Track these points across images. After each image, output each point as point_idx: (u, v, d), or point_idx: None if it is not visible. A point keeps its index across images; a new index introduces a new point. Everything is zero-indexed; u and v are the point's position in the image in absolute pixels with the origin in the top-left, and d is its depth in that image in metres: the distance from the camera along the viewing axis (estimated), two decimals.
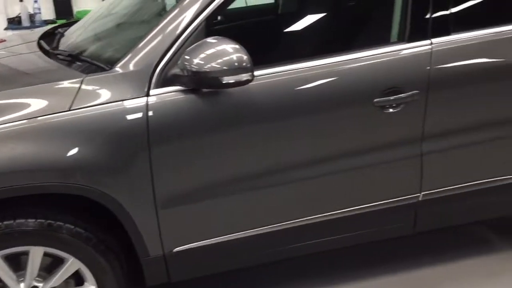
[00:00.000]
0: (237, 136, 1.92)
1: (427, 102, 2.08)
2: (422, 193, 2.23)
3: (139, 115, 1.79)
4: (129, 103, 1.79)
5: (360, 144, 2.09)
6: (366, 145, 2.09)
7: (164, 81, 1.83)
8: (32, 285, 1.88)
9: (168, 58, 1.83)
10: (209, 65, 1.74)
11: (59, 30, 2.66)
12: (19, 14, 5.40)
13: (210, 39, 1.79)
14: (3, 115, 1.72)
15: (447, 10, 2.11)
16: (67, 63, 2.06)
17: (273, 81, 1.94)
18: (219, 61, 1.74)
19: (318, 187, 2.09)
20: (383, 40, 2.15)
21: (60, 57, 2.13)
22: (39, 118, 1.72)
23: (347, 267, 2.60)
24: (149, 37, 1.87)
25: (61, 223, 1.81)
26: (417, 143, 2.14)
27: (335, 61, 2.01)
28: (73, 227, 1.83)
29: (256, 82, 1.85)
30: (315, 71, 1.98)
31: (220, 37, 1.79)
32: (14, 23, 5.44)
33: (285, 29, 2.71)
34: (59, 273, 1.89)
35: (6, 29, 5.31)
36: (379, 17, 2.30)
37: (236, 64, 1.74)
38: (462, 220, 2.44)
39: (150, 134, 1.80)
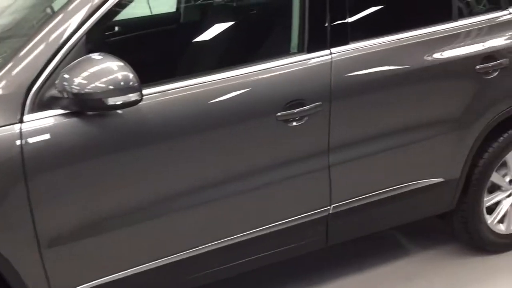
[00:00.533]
0: (128, 162, 1.75)
1: (331, 113, 2.03)
2: (333, 205, 2.17)
3: (11, 144, 1.56)
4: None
5: (266, 161, 1.99)
6: (273, 161, 2.00)
7: (41, 105, 1.62)
8: None
9: (44, 78, 1.62)
10: (92, 85, 1.56)
11: None
12: None
13: (92, 56, 1.61)
14: None
15: (345, 19, 2.07)
16: None
17: (167, 99, 1.79)
18: (103, 80, 1.56)
19: (224, 209, 1.97)
20: (283, 51, 2.07)
21: None
22: None
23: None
24: (21, 54, 1.64)
25: None
26: (324, 155, 2.08)
27: (234, 75, 1.90)
28: None
29: (149, 101, 1.71)
30: (213, 86, 1.86)
31: (103, 54, 1.61)
32: None
33: (183, 40, 2.56)
34: None
35: None
36: (278, 28, 2.23)
37: (122, 83, 1.57)
38: (374, 228, 2.43)
39: (26, 165, 1.58)
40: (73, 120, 1.63)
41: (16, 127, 1.58)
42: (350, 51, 2.07)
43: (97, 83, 1.56)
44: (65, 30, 1.65)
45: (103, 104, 1.58)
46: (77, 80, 1.56)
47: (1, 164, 1.56)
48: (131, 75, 1.58)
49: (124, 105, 1.61)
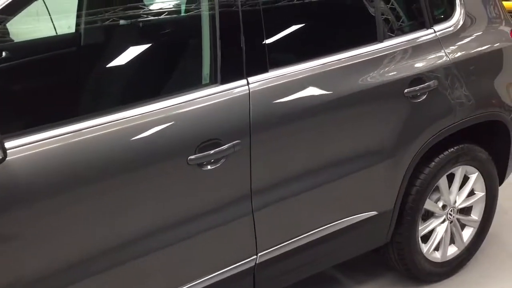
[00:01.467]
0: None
1: (251, 152, 1.77)
2: (259, 254, 1.91)
3: None
4: None
5: (182, 212, 1.70)
6: (189, 211, 1.71)
7: None
8: None
9: None
10: None
11: None
12: None
13: None
14: None
15: (262, 43, 1.82)
16: None
17: (49, 148, 1.44)
18: None
19: (143, 269, 1.65)
20: (193, 83, 1.79)
21: None
22: None
23: None
24: None
25: None
26: (246, 200, 1.81)
27: (133, 115, 1.58)
28: None
29: (20, 155, 1.38)
30: (109, 129, 1.54)
31: None
32: None
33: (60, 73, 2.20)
34: None
35: None
36: (188, 56, 1.94)
37: None
38: (307, 272, 2.18)
39: None
40: None
41: None
42: (270, 79, 1.82)
43: None
44: None
45: None
46: None
47: None
48: None
49: None
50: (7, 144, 1.36)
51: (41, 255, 1.48)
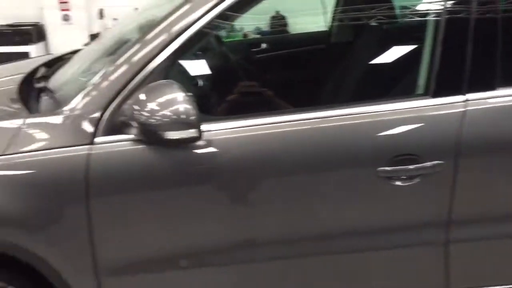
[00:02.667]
0: (194, 200, 1.58)
1: (457, 177, 1.57)
2: None
3: (78, 166, 1.52)
4: (68, 152, 1.53)
5: (358, 221, 1.64)
6: (366, 222, 1.64)
7: (112, 129, 1.55)
8: None
9: (119, 102, 1.55)
10: (150, 116, 1.43)
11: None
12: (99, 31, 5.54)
13: (156, 84, 1.48)
14: None
15: (493, 57, 1.59)
16: (33, 99, 1.86)
17: (242, 136, 1.57)
18: (160, 112, 1.42)
19: (302, 269, 1.68)
20: (404, 92, 1.68)
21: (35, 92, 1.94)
22: None
23: None
24: (102, 75, 1.60)
25: None
26: (440, 228, 1.63)
27: (331, 115, 1.59)
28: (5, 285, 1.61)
29: (221, 137, 1.53)
30: (300, 126, 1.58)
31: (168, 82, 1.48)
32: (95, 39, 5.58)
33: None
34: None
35: (85, 44, 5.45)
36: (406, 63, 1.82)
37: (178, 117, 1.41)
38: None
39: (90, 188, 1.52)
40: (139, 148, 1.53)
41: (85, 149, 1.54)
42: (495, 99, 1.58)
43: (156, 115, 1.43)
44: (142, 57, 1.56)
45: (160, 137, 1.45)
46: (138, 109, 1.45)
47: (66, 185, 1.53)
48: (190, 108, 1.42)
49: (180, 141, 1.45)
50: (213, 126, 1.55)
51: (216, 231, 1.62)
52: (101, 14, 5.48)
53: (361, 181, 1.59)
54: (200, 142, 1.49)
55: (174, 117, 1.41)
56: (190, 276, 1.65)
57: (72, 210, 1.54)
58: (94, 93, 1.58)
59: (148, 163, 1.53)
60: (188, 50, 1.65)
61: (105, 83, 1.57)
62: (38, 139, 1.57)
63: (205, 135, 1.50)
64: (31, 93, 1.90)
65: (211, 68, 2.11)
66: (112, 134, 1.55)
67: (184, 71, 1.84)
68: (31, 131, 1.58)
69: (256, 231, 1.63)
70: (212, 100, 1.99)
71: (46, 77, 2.09)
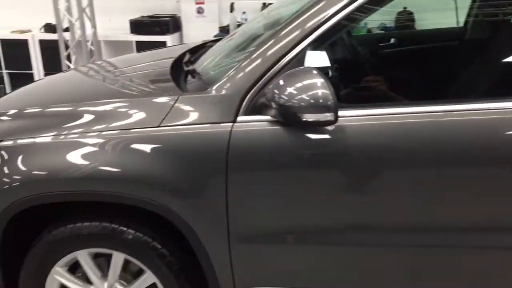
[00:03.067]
0: (326, 180, 1.69)
1: None
2: None
3: (221, 140, 1.70)
4: (214, 127, 1.72)
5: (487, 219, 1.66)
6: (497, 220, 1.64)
7: (254, 109, 1.71)
8: (114, 287, 1.96)
9: (260, 85, 1.70)
10: (290, 99, 1.56)
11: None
12: (229, 23, 5.86)
13: (294, 71, 1.61)
14: (101, 123, 1.82)
15: None
16: (182, 79, 2.09)
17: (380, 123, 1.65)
18: (300, 96, 1.55)
19: (431, 262, 1.73)
20: None
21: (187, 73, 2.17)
22: (131, 130, 1.77)
23: None
24: (246, 61, 1.77)
25: (140, 235, 1.84)
26: None
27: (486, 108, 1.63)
28: (150, 240, 1.85)
29: (356, 123, 1.64)
30: (440, 118, 1.63)
31: (308, 68, 1.59)
32: (224, 31, 5.91)
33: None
34: (137, 282, 1.94)
35: (215, 36, 5.81)
36: None
37: (316, 101, 1.53)
38: None
39: (229, 162, 1.70)
40: (277, 129, 1.67)
41: (229, 126, 1.71)
42: None
43: (294, 98, 1.56)
44: (286, 43, 1.70)
45: (298, 119, 1.57)
46: (279, 92, 1.59)
47: (210, 157, 1.72)
48: (328, 93, 1.53)
49: (316, 123, 1.56)
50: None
51: (345, 212, 1.73)
52: (232, 8, 5.79)
53: (497, 177, 1.59)
54: (334, 126, 1.60)
55: (312, 101, 1.53)
56: (318, 251, 1.79)
57: (213, 180, 1.73)
58: (238, 76, 1.75)
59: (282, 143, 1.67)
60: (325, 41, 1.76)
61: (248, 69, 1.74)
62: (189, 114, 1.77)
63: (339, 120, 1.60)
64: (180, 75, 2.14)
65: (343, 59, 2.22)
66: (252, 115, 1.71)
67: (318, 61, 1.95)
68: (183, 107, 1.79)
69: (377, 217, 1.70)
70: (344, 88, 2.08)
71: (191, 62, 2.33)
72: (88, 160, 1.76)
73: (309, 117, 1.55)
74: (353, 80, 2.07)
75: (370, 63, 2.46)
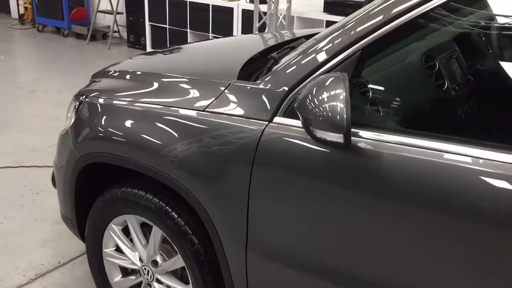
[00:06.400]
0: (351, 205, 1.40)
1: None
2: None
3: (251, 140, 1.54)
4: (248, 123, 1.57)
5: None
6: None
7: (292, 111, 1.50)
8: (153, 258, 1.99)
9: (300, 88, 1.47)
10: (312, 109, 1.31)
11: None
12: None
13: (326, 76, 1.33)
14: (155, 96, 1.82)
15: None
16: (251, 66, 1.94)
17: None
18: (314, 106, 1.30)
19: None
20: None
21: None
22: (180, 110, 1.73)
23: None
24: (297, 57, 1.54)
25: (175, 216, 1.82)
26: None
27: None
28: (183, 223, 1.81)
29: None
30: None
31: (337, 76, 1.30)
32: None
33: None
34: (169, 261, 1.94)
35: None
36: None
37: (325, 115, 1.25)
38: None
39: (254, 166, 1.53)
40: (306, 140, 1.43)
41: (262, 125, 1.53)
42: None
43: (311, 107, 1.30)
44: (335, 45, 1.43)
45: (312, 134, 1.31)
46: (308, 98, 1.34)
47: (238, 153, 1.57)
48: (342, 109, 1.24)
49: (328, 142, 1.29)
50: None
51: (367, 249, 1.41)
52: None
53: None
54: (354, 148, 1.30)
55: (325, 114, 1.26)
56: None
57: (237, 181, 1.59)
58: (285, 73, 1.55)
59: (306, 157, 1.44)
60: (392, 43, 1.42)
61: (295, 66, 1.52)
62: (231, 104, 1.65)
63: (365, 142, 1.30)
64: (263, 62, 2.00)
65: (408, 70, 1.79)
66: (290, 117, 1.50)
67: (377, 67, 1.59)
68: (230, 95, 1.67)
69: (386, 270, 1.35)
70: (400, 107, 1.68)
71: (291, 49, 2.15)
72: (136, 130, 1.79)
73: (319, 133, 1.29)
74: (419, 100, 1.65)
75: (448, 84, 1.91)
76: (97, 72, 2.35)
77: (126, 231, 2.08)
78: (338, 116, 1.24)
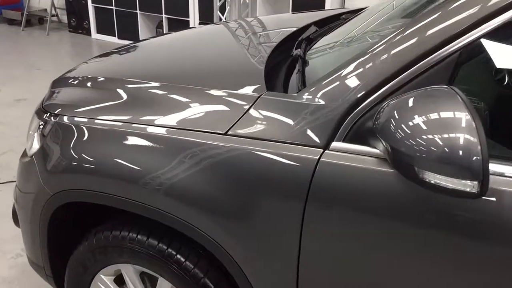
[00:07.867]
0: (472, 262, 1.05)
1: None
2: None
3: (303, 173, 1.15)
4: (294, 151, 1.17)
5: None
6: None
7: (357, 134, 1.12)
8: None
9: (370, 103, 1.09)
10: (406, 138, 0.93)
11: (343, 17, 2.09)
12: None
13: (432, 89, 0.95)
14: (150, 114, 1.38)
15: None
16: (281, 67, 1.54)
17: None
18: (426, 136, 0.91)
19: None
20: None
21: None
22: (192, 133, 1.30)
23: None
24: (363, 57, 1.15)
25: (190, 266, 1.41)
26: None
27: None
28: (202, 276, 1.41)
29: None
30: None
31: (450, 90, 0.93)
32: None
33: None
34: None
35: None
36: None
37: (449, 153, 0.87)
38: None
39: (308, 205, 1.15)
40: (388, 173, 1.06)
41: (317, 153, 1.15)
42: None
43: (414, 138, 0.92)
44: (415, 46, 1.06)
45: (417, 178, 0.94)
46: (389, 125, 0.96)
47: (286, 184, 1.18)
48: (477, 145, 0.86)
49: (450, 192, 0.91)
50: None
51: None
52: None
53: None
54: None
55: (445, 150, 0.88)
56: None
57: (284, 217, 1.19)
58: (344, 81, 1.15)
59: (391, 195, 1.06)
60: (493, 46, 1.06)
61: (361, 70, 1.13)
62: (265, 124, 1.24)
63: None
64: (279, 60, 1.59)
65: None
66: (354, 142, 1.12)
67: (479, 79, 1.24)
68: (261, 111, 1.26)
69: None
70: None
71: (311, 40, 1.75)
72: (132, 161, 1.35)
73: (433, 178, 0.91)
74: None
75: None
76: (58, 78, 1.86)
77: (119, 280, 1.65)
78: (471, 156, 0.86)
